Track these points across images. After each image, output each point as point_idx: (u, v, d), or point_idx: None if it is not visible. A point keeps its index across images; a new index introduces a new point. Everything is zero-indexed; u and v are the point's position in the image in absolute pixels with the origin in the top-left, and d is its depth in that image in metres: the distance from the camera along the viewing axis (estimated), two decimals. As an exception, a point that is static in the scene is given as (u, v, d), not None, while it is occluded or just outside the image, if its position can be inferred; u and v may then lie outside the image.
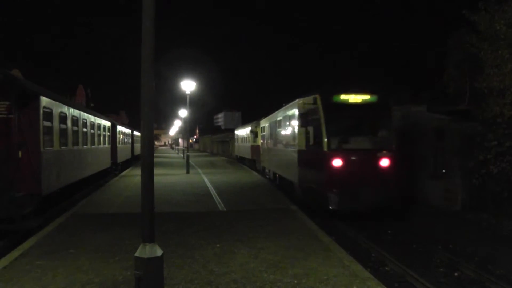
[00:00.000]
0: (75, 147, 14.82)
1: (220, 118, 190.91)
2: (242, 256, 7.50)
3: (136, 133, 45.17)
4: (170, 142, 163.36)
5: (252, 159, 28.26)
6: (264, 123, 21.11)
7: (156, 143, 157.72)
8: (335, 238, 9.17)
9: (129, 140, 36.88)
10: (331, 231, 10.07)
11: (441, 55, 28.20)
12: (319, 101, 10.60)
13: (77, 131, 15.17)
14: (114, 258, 7.35)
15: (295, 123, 12.23)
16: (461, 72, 25.37)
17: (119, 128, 28.58)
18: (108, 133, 23.16)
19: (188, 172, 24.73)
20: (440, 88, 27.37)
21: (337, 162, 9.74)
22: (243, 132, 34.21)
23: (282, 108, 15.10)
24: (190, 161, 28.98)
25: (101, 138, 20.53)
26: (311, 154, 10.75)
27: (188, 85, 26.36)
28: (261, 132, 22.38)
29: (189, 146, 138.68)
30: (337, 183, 9.75)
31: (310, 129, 10.94)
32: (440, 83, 27.83)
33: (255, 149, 27.20)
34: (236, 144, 39.78)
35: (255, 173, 25.51)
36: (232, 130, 51.17)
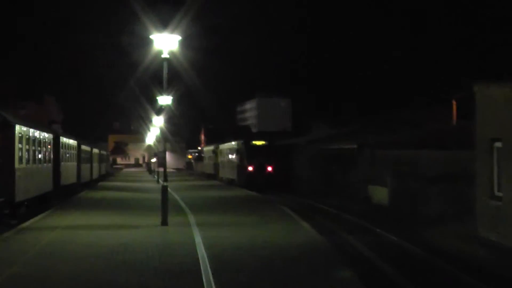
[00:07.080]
0: None
1: (250, 111, 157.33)
2: None
3: (70, 141, 41.02)
4: (146, 160, 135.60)
5: (214, 174, 68.98)
6: (222, 148, 66.94)
7: (118, 160, 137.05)
8: None
9: (49, 154, 31.30)
10: None
11: None
12: (242, 144, 57.50)
13: None
14: None
15: (234, 151, 59.62)
16: None
17: (22, 129, 24.08)
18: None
19: (165, 222, 21.06)
20: None
21: (250, 168, 54.24)
22: (208, 151, 77.26)
23: (230, 144, 64.25)
24: (176, 196, 26.66)
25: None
26: (241, 165, 57.06)
27: (163, 40, 21.25)
28: (219, 154, 67.04)
29: (187, 167, 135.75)
30: (249, 175, 53.80)
31: (241, 155, 57.89)
32: None
33: (216, 165, 67.34)
34: (204, 162, 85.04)
35: (305, 224, 21.92)
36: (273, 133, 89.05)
